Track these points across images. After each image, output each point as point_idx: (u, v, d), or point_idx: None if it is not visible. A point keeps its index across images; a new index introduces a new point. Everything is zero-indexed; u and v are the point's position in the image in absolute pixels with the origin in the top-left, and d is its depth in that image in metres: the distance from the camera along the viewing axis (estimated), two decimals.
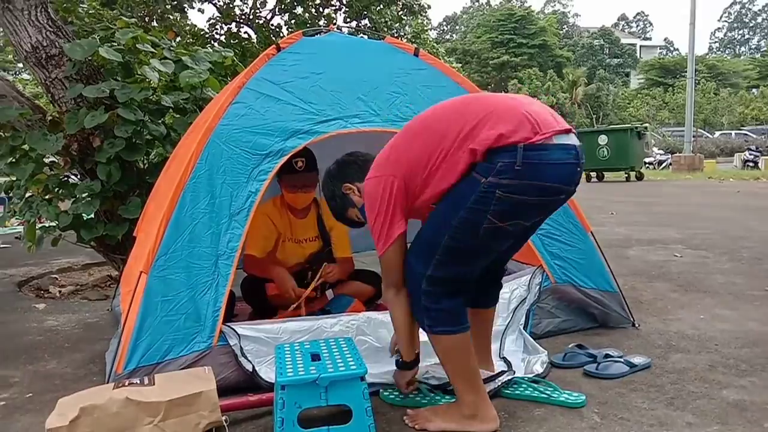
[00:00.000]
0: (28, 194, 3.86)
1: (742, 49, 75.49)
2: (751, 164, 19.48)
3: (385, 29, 10.81)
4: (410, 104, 2.71)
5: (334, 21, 10.64)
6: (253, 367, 2.18)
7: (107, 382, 2.11)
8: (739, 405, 2.08)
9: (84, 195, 3.73)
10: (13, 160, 3.77)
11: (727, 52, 73.06)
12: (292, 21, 10.54)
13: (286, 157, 2.49)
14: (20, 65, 16.73)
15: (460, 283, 1.89)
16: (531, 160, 1.69)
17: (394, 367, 2.20)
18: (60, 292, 4.23)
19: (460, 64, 39.87)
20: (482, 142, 1.73)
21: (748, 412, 2.02)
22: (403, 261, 1.92)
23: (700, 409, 2.05)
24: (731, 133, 30.12)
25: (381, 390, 2.18)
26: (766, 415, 2.00)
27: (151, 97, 3.81)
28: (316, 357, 1.91)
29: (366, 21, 11.05)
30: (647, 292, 3.59)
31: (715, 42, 79.69)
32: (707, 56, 56.31)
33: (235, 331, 2.25)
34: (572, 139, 1.79)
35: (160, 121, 3.88)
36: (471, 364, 1.93)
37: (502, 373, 2.23)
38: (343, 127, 2.57)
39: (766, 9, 73.65)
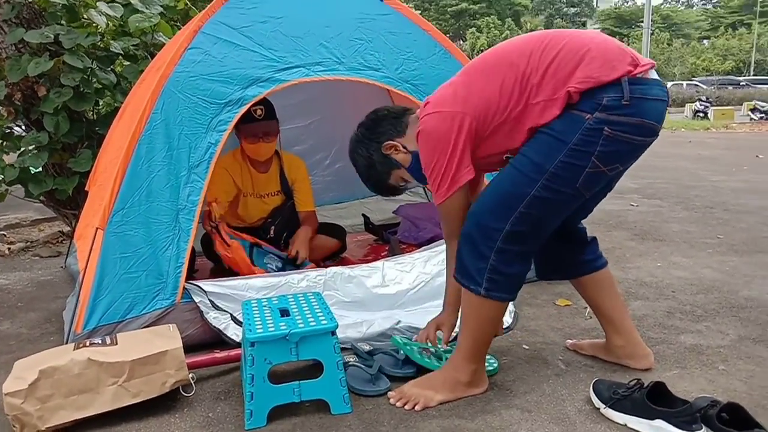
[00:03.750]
0: None
1: (695, 0, 76.34)
2: (701, 114, 19.96)
3: None
4: (375, 51, 2.62)
5: None
6: (221, 330, 2.13)
7: (66, 343, 2.04)
8: (696, 349, 2.16)
9: (31, 147, 3.54)
10: None
11: (680, 2, 73.80)
12: None
13: (246, 107, 2.38)
14: None
15: (539, 242, 1.72)
16: (636, 94, 1.55)
17: (364, 319, 2.19)
18: (9, 249, 4.06)
19: (419, 11, 39.20)
20: (583, 81, 1.55)
21: (704, 356, 2.10)
22: (466, 210, 1.73)
23: (660, 354, 2.11)
24: (683, 84, 30.72)
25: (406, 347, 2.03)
26: (721, 358, 2.08)
27: (98, 43, 3.59)
28: (285, 312, 1.87)
29: None
30: (605, 241, 3.67)
31: None
32: (662, 6, 56.80)
33: (200, 287, 2.19)
34: (655, 74, 1.65)
35: (109, 69, 3.67)
36: (491, 335, 1.83)
37: None
38: (305, 75, 2.47)
39: None
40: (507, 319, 2.32)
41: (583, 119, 1.55)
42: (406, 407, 1.77)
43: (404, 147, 1.88)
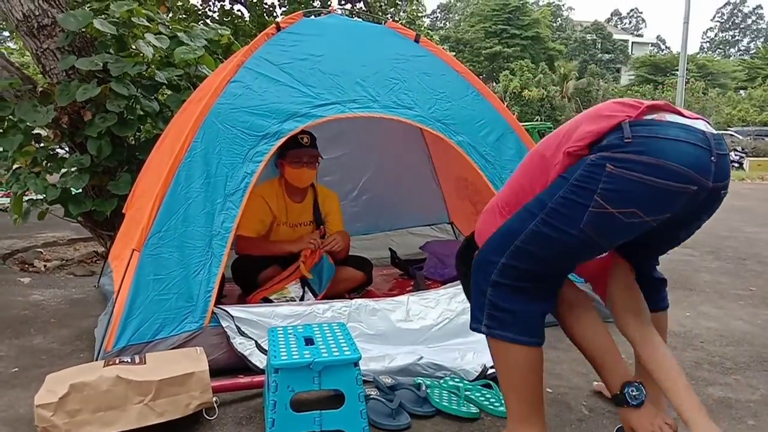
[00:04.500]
0: (15, 166, 3.80)
1: (732, 50, 76.05)
2: (736, 165, 19.67)
3: (380, 13, 10.74)
4: (409, 91, 2.70)
5: (329, 3, 10.54)
6: (245, 356, 2.17)
7: (96, 360, 2.10)
8: (724, 402, 2.12)
9: (73, 169, 3.68)
10: (1, 130, 3.70)
11: (717, 52, 73.54)
12: (286, 0, 10.41)
13: (282, 140, 2.46)
14: (5, 33, 16.41)
15: (542, 283, 1.60)
16: (640, 133, 1.42)
17: (387, 353, 2.21)
18: (45, 266, 4.18)
19: (453, 53, 39.75)
20: (581, 138, 1.50)
21: (733, 410, 2.06)
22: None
23: None
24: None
25: (428, 389, 2.05)
26: (751, 413, 2.03)
27: (144, 72, 3.76)
28: (309, 341, 1.90)
29: (361, 4, 10.96)
30: None
31: (707, 42, 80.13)
32: (698, 55, 56.65)
33: (227, 312, 2.24)
34: (698, 124, 1.47)
35: (153, 97, 3.83)
36: (534, 390, 1.63)
37: None
38: (341, 112, 2.55)
39: (756, 11, 74.13)
40: (475, 368, 2.25)
41: (586, 158, 1.48)
42: None
43: None
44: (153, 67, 3.89)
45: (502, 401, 2.02)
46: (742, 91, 45.68)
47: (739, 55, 70.50)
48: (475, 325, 1.65)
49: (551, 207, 1.51)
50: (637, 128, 1.43)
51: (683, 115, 1.49)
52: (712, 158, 1.45)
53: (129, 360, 1.90)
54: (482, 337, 2.49)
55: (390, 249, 3.87)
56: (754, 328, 2.97)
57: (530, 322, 1.60)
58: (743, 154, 20.37)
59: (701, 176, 1.43)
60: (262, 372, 2.10)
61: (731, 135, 28.82)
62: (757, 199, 10.05)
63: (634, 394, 1.62)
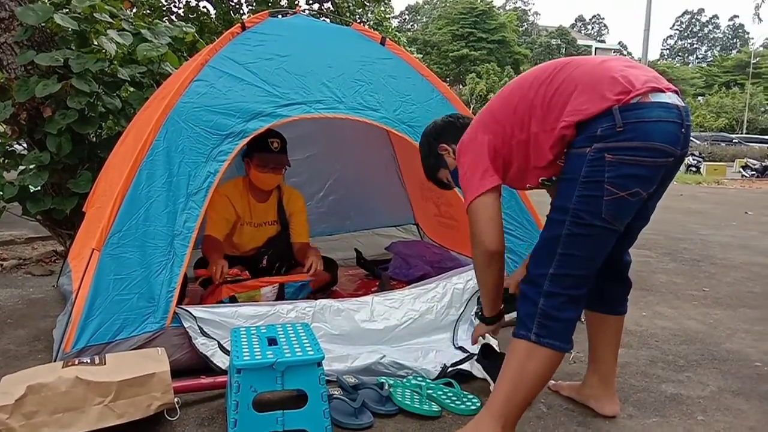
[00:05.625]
0: None
1: (691, 57, 78.21)
2: (693, 169, 20.23)
3: (348, 14, 10.72)
4: (374, 93, 2.72)
5: (297, 2, 10.49)
6: (207, 356, 2.16)
7: (54, 361, 2.06)
8: (676, 398, 2.19)
9: (31, 166, 3.60)
10: None
11: (677, 59, 75.51)
12: None
13: (246, 139, 2.45)
14: None
15: (587, 283, 1.71)
16: (630, 120, 1.57)
17: (349, 353, 2.22)
18: (2, 265, 4.07)
19: (421, 55, 39.95)
20: (572, 113, 1.62)
21: (684, 405, 2.13)
22: (496, 221, 1.77)
23: (641, 402, 2.15)
24: None
25: (390, 388, 2.08)
26: (701, 408, 2.11)
27: (106, 69, 3.69)
28: (272, 341, 1.90)
29: (329, 4, 10.92)
30: None
31: (667, 49, 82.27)
32: (658, 62, 58.05)
33: (190, 312, 2.22)
34: (673, 99, 1.65)
35: (115, 94, 3.77)
36: (529, 397, 1.72)
37: (465, 360, 2.28)
38: (306, 112, 2.55)
39: (712, 20, 76.41)
40: (437, 367, 2.28)
41: (585, 154, 1.61)
42: None
43: (454, 153, 2.02)
44: (115, 63, 3.82)
45: (464, 400, 2.06)
46: (700, 98, 47.03)
47: (697, 62, 72.62)
48: (524, 333, 1.70)
49: (574, 209, 1.64)
50: (626, 114, 1.58)
51: (662, 90, 1.64)
52: (683, 130, 1.65)
53: (88, 361, 1.87)
54: (444, 336, 2.56)
55: (355, 249, 3.89)
56: (706, 327, 3.07)
57: (572, 330, 1.72)
58: (700, 159, 20.95)
59: (676, 148, 1.64)
60: (224, 372, 2.09)
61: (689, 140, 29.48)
62: (712, 202, 10.37)
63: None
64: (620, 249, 1.96)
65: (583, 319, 2.18)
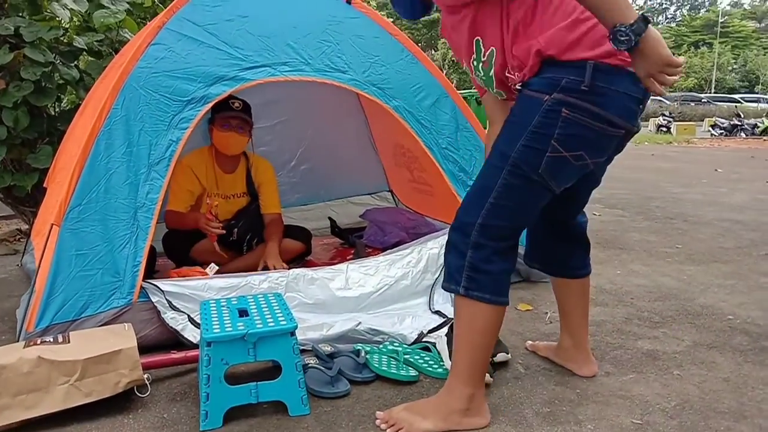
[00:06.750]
0: None
1: (660, 18, 78.42)
2: (664, 129, 20.47)
3: None
4: (342, 54, 2.63)
5: None
6: (177, 331, 2.10)
7: (18, 341, 1.98)
8: (652, 354, 2.20)
9: None
10: None
11: None
12: None
13: (209, 105, 2.36)
14: None
15: (514, 236, 1.66)
16: (598, 82, 1.49)
17: (325, 321, 2.19)
18: None
19: (391, 19, 39.38)
20: (549, 41, 1.50)
21: (660, 361, 2.14)
22: None
23: (617, 359, 2.15)
24: None
25: (367, 355, 2.02)
26: (676, 363, 2.12)
27: (61, 38, 3.53)
28: (243, 313, 1.85)
29: None
30: None
31: (637, 9, 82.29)
32: None
33: (157, 287, 2.15)
34: None
35: (72, 64, 3.61)
36: (488, 352, 1.70)
37: (443, 325, 2.25)
38: (271, 75, 2.46)
39: None
40: (413, 332, 2.24)
41: (541, 101, 1.53)
42: (389, 431, 1.66)
43: None
44: (71, 32, 3.65)
45: (441, 363, 2.04)
46: None
47: (666, 22, 72.88)
48: (453, 287, 1.65)
49: (515, 158, 1.56)
50: (597, 75, 1.49)
51: None
52: (641, 106, 1.60)
53: (51, 340, 1.80)
54: (421, 301, 2.53)
55: (329, 218, 3.83)
56: (680, 283, 3.09)
57: (504, 283, 1.65)
58: (671, 119, 21.19)
59: (631, 124, 1.60)
60: (196, 347, 2.04)
61: (660, 100, 29.87)
62: (683, 161, 10.50)
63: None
64: (572, 210, 1.93)
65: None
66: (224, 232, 2.77)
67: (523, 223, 1.69)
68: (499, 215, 1.61)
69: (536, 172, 1.56)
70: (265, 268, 2.69)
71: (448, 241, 1.69)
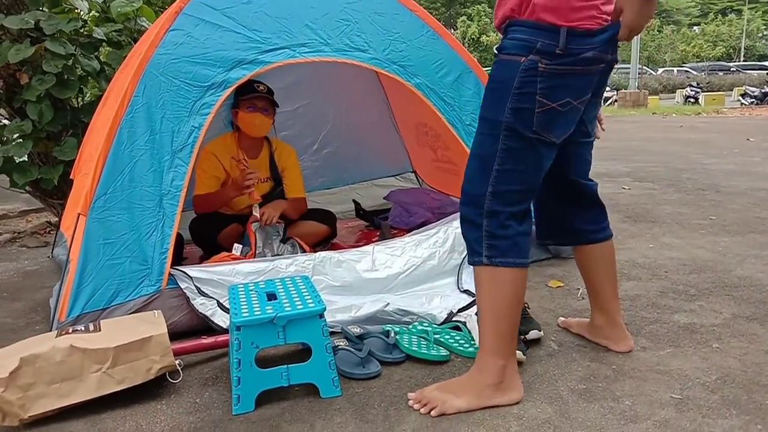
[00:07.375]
0: None
1: None
2: (692, 100, 19.99)
3: None
4: (361, 33, 2.58)
5: None
6: (207, 316, 2.10)
7: (51, 331, 2.00)
8: (689, 328, 2.14)
9: (14, 136, 3.48)
10: None
11: None
12: None
13: (230, 89, 2.33)
14: None
15: (528, 198, 1.65)
16: (571, 45, 1.51)
17: (353, 303, 2.17)
18: None
19: None
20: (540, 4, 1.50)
21: (698, 334, 2.08)
22: None
23: (654, 333, 2.09)
24: (674, 70, 30.75)
25: (396, 335, 2.00)
26: (715, 336, 2.06)
27: (81, 30, 3.53)
28: (272, 296, 1.84)
29: None
30: None
31: None
32: None
33: (186, 273, 2.15)
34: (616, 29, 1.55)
35: (93, 56, 3.62)
36: (515, 321, 1.66)
37: (472, 304, 2.21)
38: (291, 57, 2.42)
39: None
40: (443, 312, 2.22)
41: (518, 63, 1.54)
42: (422, 411, 1.63)
43: None
44: (90, 23, 3.66)
45: (472, 342, 2.01)
46: (695, 27, 46.10)
47: None
48: (477, 259, 1.64)
49: (507, 122, 1.57)
50: (571, 39, 1.51)
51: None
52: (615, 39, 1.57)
53: (83, 328, 1.81)
54: (449, 281, 2.50)
55: (354, 201, 3.80)
56: (715, 255, 3.01)
57: (524, 245, 1.64)
58: (699, 89, 20.67)
59: (607, 54, 1.58)
60: (225, 331, 2.04)
61: (687, 71, 29.20)
62: (713, 132, 10.23)
63: None
64: (578, 173, 1.88)
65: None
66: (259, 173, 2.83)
67: (532, 184, 1.66)
68: (508, 180, 1.61)
69: (531, 129, 1.57)
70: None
71: (461, 218, 1.69)
